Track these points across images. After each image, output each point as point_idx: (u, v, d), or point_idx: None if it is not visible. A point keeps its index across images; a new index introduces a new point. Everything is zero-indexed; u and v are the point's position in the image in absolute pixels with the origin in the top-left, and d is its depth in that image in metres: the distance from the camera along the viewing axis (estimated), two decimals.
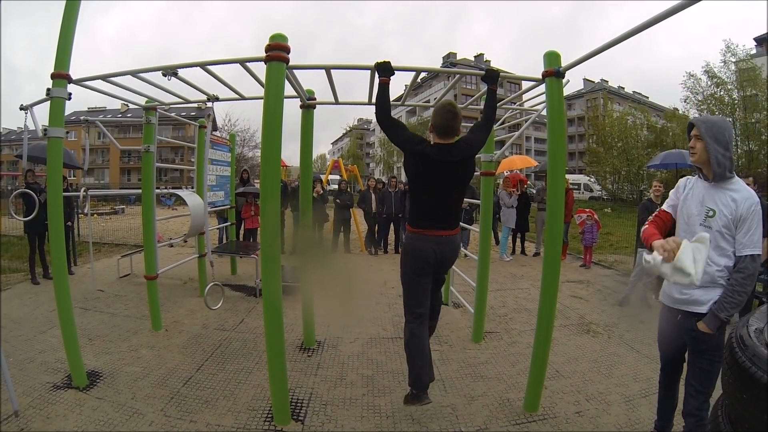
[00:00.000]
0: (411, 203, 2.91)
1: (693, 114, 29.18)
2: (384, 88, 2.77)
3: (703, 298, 2.31)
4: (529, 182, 17.18)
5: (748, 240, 2.22)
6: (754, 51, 29.36)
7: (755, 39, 32.80)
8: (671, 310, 2.50)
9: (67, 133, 3.63)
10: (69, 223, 7.34)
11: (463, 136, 2.89)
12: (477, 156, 4.83)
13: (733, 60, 27.18)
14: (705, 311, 2.30)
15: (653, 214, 2.64)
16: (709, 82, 28.06)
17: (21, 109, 3.65)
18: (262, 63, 2.92)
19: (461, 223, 6.09)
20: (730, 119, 26.36)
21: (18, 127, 33.43)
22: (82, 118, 4.95)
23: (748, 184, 4.89)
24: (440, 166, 2.66)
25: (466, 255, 6.83)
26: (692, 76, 28.69)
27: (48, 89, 3.28)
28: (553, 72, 3.08)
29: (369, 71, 3.23)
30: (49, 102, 3.33)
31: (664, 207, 2.64)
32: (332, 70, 3.49)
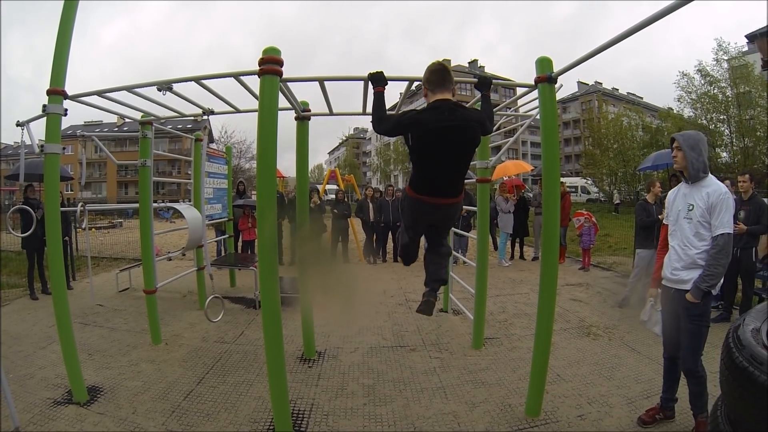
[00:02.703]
0: (414, 170, 2.68)
1: (687, 113, 29.48)
2: (379, 97, 2.75)
3: (686, 277, 2.88)
4: (526, 187, 17.23)
5: (719, 222, 2.76)
6: (746, 48, 29.55)
7: (747, 36, 33.00)
8: (667, 288, 3.06)
9: (64, 148, 3.64)
10: (66, 238, 7.32)
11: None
12: (472, 162, 4.84)
13: (726, 58, 27.37)
14: (690, 287, 2.83)
15: (660, 239, 3.31)
16: (702, 81, 28.22)
17: (17, 125, 3.66)
18: (257, 76, 2.93)
19: (458, 230, 6.11)
20: (725, 117, 26.70)
21: (15, 142, 33.44)
22: (78, 132, 4.96)
23: (743, 182, 5.06)
24: (443, 127, 2.44)
25: (465, 262, 6.83)
26: (685, 75, 28.88)
27: (44, 105, 3.30)
28: (546, 78, 3.11)
29: (363, 82, 3.25)
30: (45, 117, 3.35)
31: (664, 221, 3.24)
32: (330, 81, 3.51)
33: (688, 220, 2.91)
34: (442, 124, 2.43)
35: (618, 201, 32.15)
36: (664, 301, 3.11)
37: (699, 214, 2.84)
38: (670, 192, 3.24)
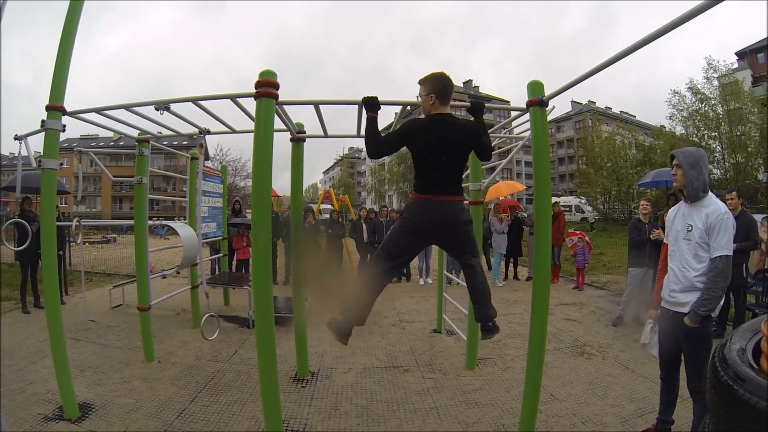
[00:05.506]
0: (416, 173, 2.79)
1: (679, 130, 29.83)
2: (372, 122, 2.80)
3: (684, 300, 2.83)
4: (521, 207, 17.31)
5: (718, 244, 2.70)
6: (735, 65, 30.13)
7: (736, 53, 33.73)
8: (665, 310, 3.00)
9: (61, 163, 3.67)
10: (60, 252, 7.28)
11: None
12: (465, 185, 4.89)
13: (716, 76, 27.87)
14: (687, 311, 2.78)
15: (661, 259, 3.23)
16: (693, 99, 28.68)
17: (15, 139, 3.71)
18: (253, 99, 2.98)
19: None
20: (716, 134, 27.10)
21: (10, 153, 33.42)
22: (74, 146, 5.00)
23: (731, 199, 5.04)
24: (441, 137, 2.62)
25: (458, 283, 6.85)
26: (677, 93, 29.35)
27: (42, 121, 3.33)
28: (537, 101, 3.15)
29: (357, 106, 3.30)
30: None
31: (665, 240, 3.20)
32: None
33: (687, 241, 2.85)
34: (442, 139, 2.62)
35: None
36: (662, 323, 3.06)
37: (698, 236, 2.77)
38: (670, 210, 3.20)
